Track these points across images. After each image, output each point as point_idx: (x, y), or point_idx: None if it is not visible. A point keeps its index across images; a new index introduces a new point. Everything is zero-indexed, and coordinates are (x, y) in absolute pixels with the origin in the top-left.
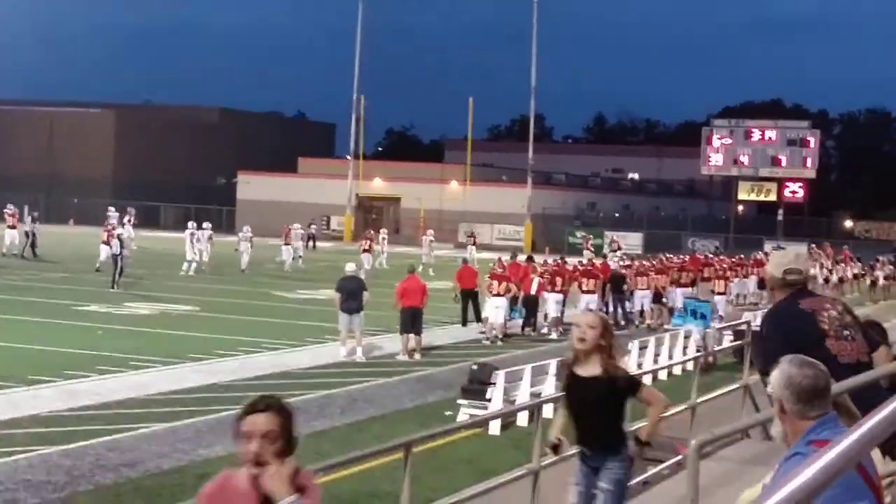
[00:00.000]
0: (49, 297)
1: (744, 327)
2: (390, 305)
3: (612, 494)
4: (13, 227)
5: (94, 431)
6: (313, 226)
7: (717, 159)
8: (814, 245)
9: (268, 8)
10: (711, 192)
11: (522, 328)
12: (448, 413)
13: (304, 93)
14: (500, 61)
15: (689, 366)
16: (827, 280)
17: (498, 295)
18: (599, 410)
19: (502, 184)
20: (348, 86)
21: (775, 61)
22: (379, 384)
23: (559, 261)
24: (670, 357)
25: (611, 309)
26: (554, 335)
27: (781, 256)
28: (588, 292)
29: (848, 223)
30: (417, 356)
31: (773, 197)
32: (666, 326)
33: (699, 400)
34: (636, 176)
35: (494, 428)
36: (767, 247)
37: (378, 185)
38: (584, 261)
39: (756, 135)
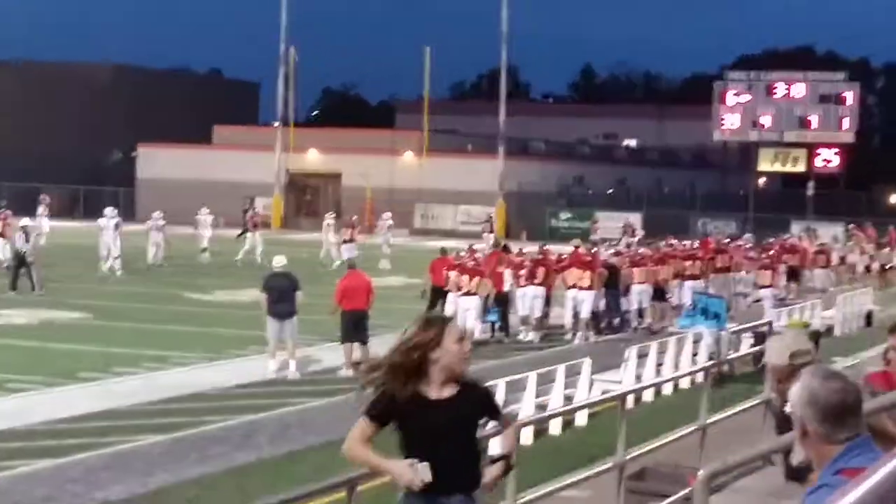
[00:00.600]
0: None
1: (765, 328)
2: (328, 309)
3: None
4: None
5: None
6: (251, 210)
7: (732, 121)
8: (852, 225)
9: None
10: (726, 161)
11: (492, 332)
12: None
13: (219, 45)
14: (462, 1)
15: (700, 377)
16: (868, 268)
17: (469, 293)
18: (456, 439)
19: (468, 154)
20: (274, 36)
21: None
22: (317, 406)
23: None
24: (676, 367)
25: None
26: (532, 337)
27: (778, 342)
28: (583, 287)
29: (894, 198)
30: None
31: (801, 167)
32: (670, 329)
33: (711, 419)
34: (633, 143)
35: None
36: (795, 228)
37: (313, 159)
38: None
39: (780, 90)
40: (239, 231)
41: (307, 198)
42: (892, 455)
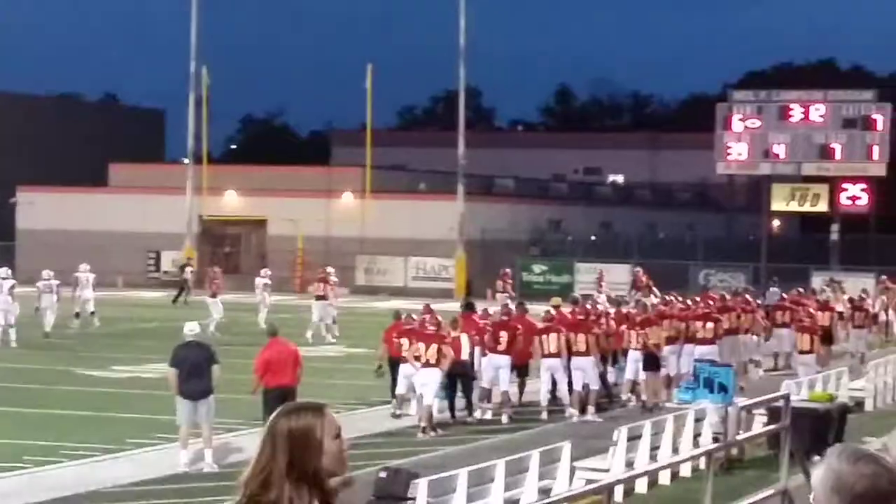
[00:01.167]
0: None
1: (781, 403)
2: (249, 386)
3: None
4: None
5: None
6: (189, 267)
7: (739, 151)
8: (884, 277)
9: None
10: (732, 200)
11: (452, 412)
12: None
13: (115, 65)
14: (411, 11)
15: (703, 462)
16: None
17: (428, 364)
18: None
19: (421, 195)
20: (182, 53)
21: (823, 3)
22: None
23: (509, 308)
24: (675, 451)
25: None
26: (503, 419)
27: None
28: (578, 353)
29: None
30: None
31: (823, 206)
32: (667, 404)
33: None
34: (620, 179)
35: None
36: (817, 280)
37: (232, 203)
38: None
39: (797, 113)
40: (175, 293)
41: (225, 250)
42: None
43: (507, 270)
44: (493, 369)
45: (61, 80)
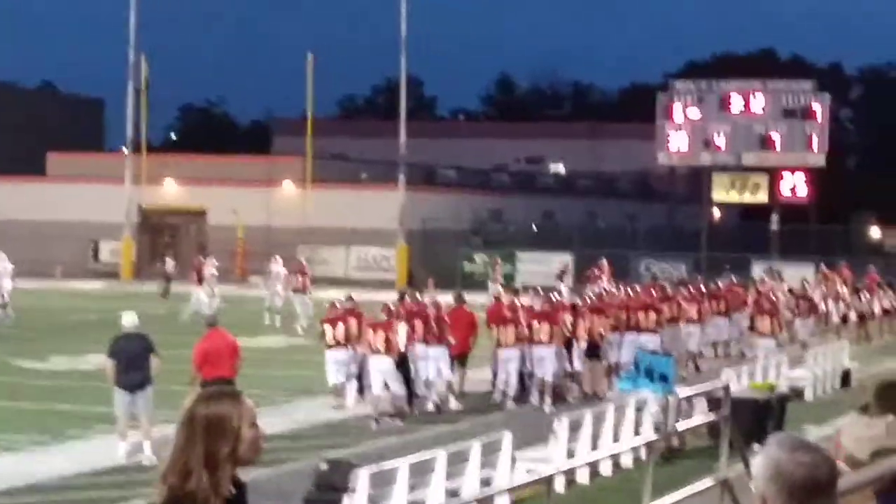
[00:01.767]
0: None
1: (720, 393)
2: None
3: None
4: None
5: None
6: (169, 259)
7: (679, 141)
8: (823, 266)
9: None
10: (674, 190)
11: (410, 400)
12: None
13: (52, 52)
14: (352, 1)
15: (644, 453)
16: (845, 318)
17: (379, 352)
18: None
19: (362, 185)
20: (120, 41)
21: None
22: None
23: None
24: (615, 439)
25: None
26: (452, 405)
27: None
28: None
29: (874, 232)
30: None
31: (763, 196)
32: (608, 393)
33: (657, 502)
34: (561, 169)
35: None
36: (757, 270)
37: (172, 192)
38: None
39: (737, 103)
40: (162, 287)
41: (165, 240)
42: None
43: (498, 259)
44: (433, 360)
45: None
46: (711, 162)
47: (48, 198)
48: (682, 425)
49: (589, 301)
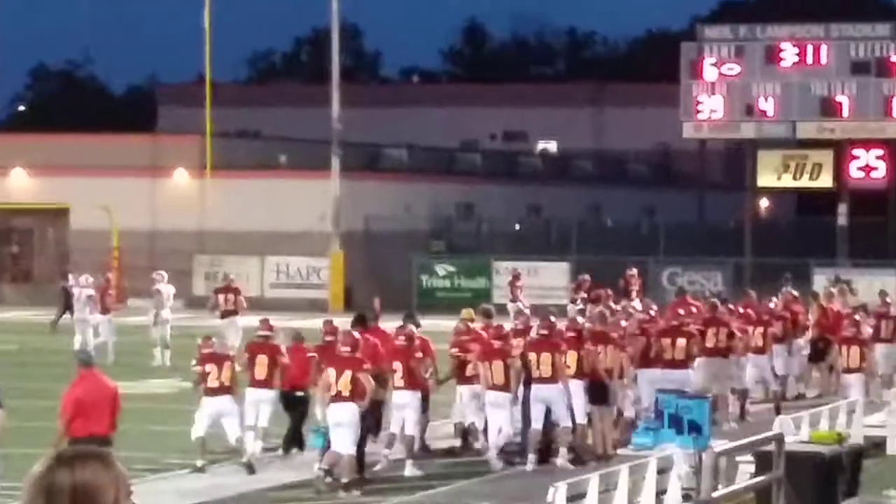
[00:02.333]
0: None
1: (772, 447)
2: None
3: None
4: None
5: None
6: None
7: (712, 107)
8: None
9: None
10: (705, 174)
11: (360, 463)
12: None
13: None
14: None
15: None
16: None
17: (343, 399)
18: None
19: (281, 172)
20: None
21: None
22: None
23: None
24: None
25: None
26: (407, 471)
27: None
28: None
29: None
30: None
31: (826, 181)
32: (619, 451)
33: None
34: (553, 146)
35: None
36: (820, 279)
37: (21, 185)
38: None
39: (789, 55)
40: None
41: (12, 249)
42: None
43: (519, 272)
44: (397, 408)
45: None
46: (756, 135)
47: None
48: (720, 491)
49: (589, 325)
